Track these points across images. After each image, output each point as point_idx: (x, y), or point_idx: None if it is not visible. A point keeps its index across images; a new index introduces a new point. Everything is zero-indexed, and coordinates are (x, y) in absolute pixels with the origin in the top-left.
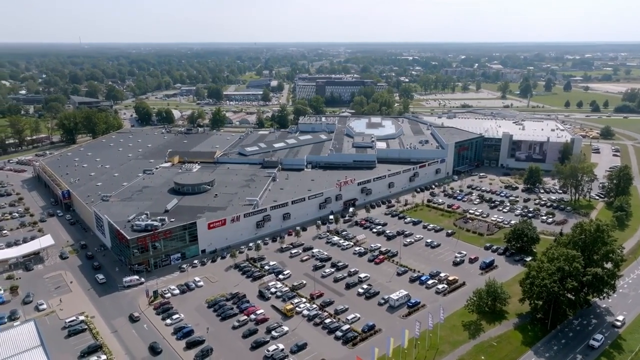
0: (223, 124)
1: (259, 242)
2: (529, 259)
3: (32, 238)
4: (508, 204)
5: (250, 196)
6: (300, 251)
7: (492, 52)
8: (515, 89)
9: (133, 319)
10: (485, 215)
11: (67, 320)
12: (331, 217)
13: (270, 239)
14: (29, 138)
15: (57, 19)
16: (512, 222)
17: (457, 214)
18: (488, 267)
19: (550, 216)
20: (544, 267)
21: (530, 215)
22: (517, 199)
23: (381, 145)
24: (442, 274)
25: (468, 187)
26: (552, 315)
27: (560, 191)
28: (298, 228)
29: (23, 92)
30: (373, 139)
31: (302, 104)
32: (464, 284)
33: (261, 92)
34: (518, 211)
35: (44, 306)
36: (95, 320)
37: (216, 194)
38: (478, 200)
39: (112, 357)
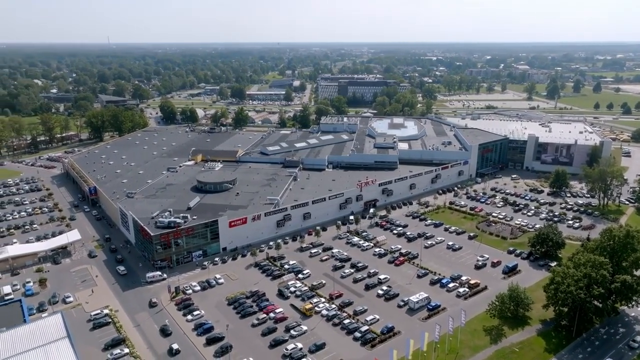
0: (245, 124)
1: (279, 241)
2: (553, 264)
3: (60, 232)
4: (533, 208)
5: (271, 195)
6: (320, 251)
7: (518, 52)
8: (542, 90)
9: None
10: (508, 219)
11: (92, 313)
12: (351, 217)
13: (291, 238)
14: (58, 135)
15: (87, 20)
16: (537, 226)
17: (480, 217)
18: (511, 271)
19: (577, 221)
20: (569, 273)
21: (555, 219)
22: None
23: (403, 146)
24: (463, 278)
25: (491, 189)
26: (578, 322)
27: (588, 195)
28: (318, 228)
29: (54, 90)
30: (395, 139)
31: (324, 104)
32: (485, 288)
33: (283, 92)
34: (543, 215)
35: (71, 299)
36: (119, 314)
37: (238, 193)
38: (502, 203)
39: (134, 351)
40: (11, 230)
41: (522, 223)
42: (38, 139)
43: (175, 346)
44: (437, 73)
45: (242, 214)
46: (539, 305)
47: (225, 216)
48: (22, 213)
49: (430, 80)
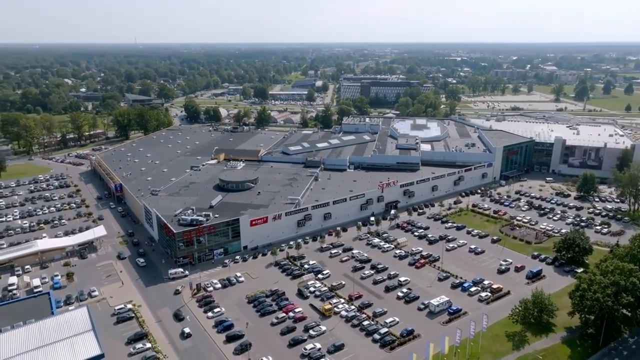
0: (268, 123)
1: (300, 240)
2: (580, 270)
3: (87, 228)
4: (559, 212)
5: (292, 195)
6: (340, 251)
7: (546, 52)
8: (570, 92)
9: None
10: (533, 223)
11: (116, 308)
12: (372, 218)
13: (311, 238)
14: (87, 133)
15: (116, 21)
16: (563, 231)
17: (504, 221)
18: (535, 276)
19: (606, 226)
20: (596, 280)
21: (583, 224)
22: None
23: (426, 147)
24: (485, 282)
25: (516, 192)
26: (605, 331)
27: (618, 200)
28: (338, 228)
29: (83, 89)
30: (417, 140)
31: (347, 105)
32: (508, 292)
33: (306, 92)
34: (570, 220)
35: (96, 293)
36: (142, 309)
37: (259, 192)
38: (526, 206)
39: (156, 346)
40: (41, 225)
41: (547, 227)
42: (67, 137)
43: (187, 330)
44: (461, 74)
45: (263, 213)
46: (564, 312)
47: (246, 215)
48: (52, 208)
49: (454, 81)
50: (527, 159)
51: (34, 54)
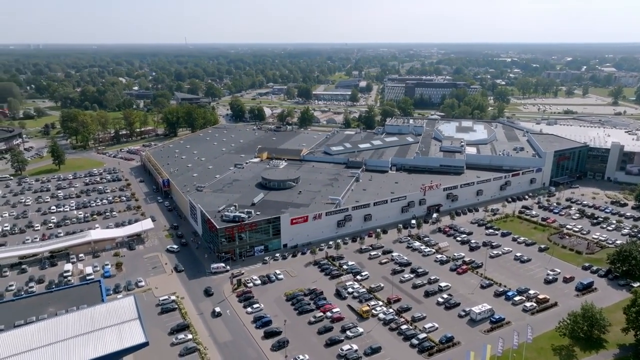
0: (311, 123)
1: (339, 241)
2: (636, 285)
3: (136, 220)
4: (614, 222)
5: (333, 195)
6: (380, 253)
7: (604, 53)
8: (630, 95)
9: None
10: (585, 232)
11: (160, 299)
12: (413, 221)
13: (350, 238)
14: (138, 130)
15: (169, 22)
16: (618, 242)
17: (553, 229)
18: (585, 289)
19: None
20: None
21: None
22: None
23: (471, 150)
24: (531, 291)
25: (567, 199)
26: None
27: None
28: (379, 230)
29: (136, 88)
30: (462, 143)
31: (390, 105)
32: (555, 304)
33: (349, 93)
34: (626, 230)
35: (142, 283)
36: (185, 301)
37: (300, 191)
38: (578, 215)
39: (197, 337)
40: (94, 216)
41: (600, 238)
42: (120, 133)
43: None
44: (511, 75)
45: (304, 212)
46: (617, 328)
47: (287, 213)
48: (104, 200)
49: (503, 83)
50: (579, 165)
51: (93, 54)
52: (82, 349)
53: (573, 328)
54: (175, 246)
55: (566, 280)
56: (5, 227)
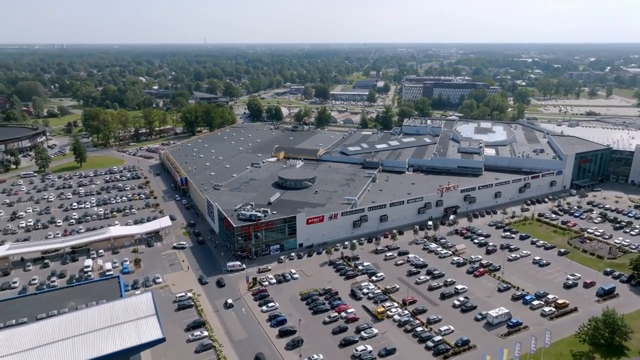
0: (328, 123)
1: (355, 241)
2: None
3: (154, 218)
4: (638, 226)
5: (349, 195)
6: (396, 255)
7: (629, 53)
8: None
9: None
10: (607, 237)
11: (177, 295)
12: (430, 223)
13: (366, 239)
14: (157, 128)
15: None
16: None
17: (573, 232)
18: (607, 294)
19: None
20: None
21: None
22: None
23: (490, 151)
24: (550, 296)
25: (588, 203)
26: None
27: None
28: (395, 231)
29: (155, 87)
30: (481, 144)
31: (408, 106)
32: (575, 309)
33: (367, 93)
34: None
35: (160, 280)
36: (201, 299)
37: (316, 191)
38: (600, 219)
39: (213, 334)
40: (114, 213)
41: (623, 242)
42: (140, 131)
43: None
44: (531, 76)
45: (320, 212)
46: (639, 335)
47: (303, 213)
48: (124, 198)
49: (524, 83)
50: (602, 168)
51: (115, 53)
52: (101, 343)
53: (593, 334)
54: (183, 242)
55: (587, 285)
56: (29, 222)
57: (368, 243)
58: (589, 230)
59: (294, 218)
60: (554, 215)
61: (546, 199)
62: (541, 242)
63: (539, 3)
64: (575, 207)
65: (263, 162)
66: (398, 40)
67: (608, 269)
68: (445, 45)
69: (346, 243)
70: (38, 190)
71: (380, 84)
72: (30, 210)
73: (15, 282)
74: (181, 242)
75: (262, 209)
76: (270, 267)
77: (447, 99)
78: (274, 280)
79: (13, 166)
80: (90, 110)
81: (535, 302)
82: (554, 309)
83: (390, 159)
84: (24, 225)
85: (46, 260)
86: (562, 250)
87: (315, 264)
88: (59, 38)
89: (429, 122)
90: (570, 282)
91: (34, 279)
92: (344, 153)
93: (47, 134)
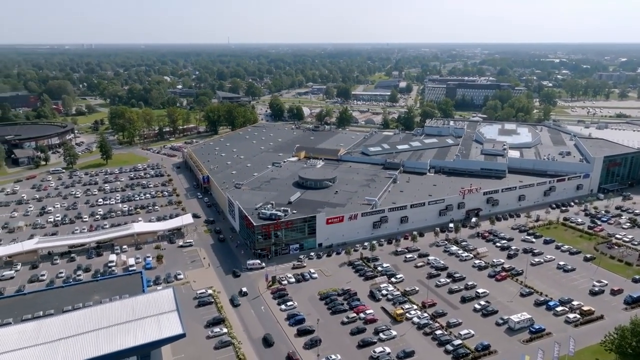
0: (349, 123)
1: (374, 242)
2: None
3: (176, 215)
4: None
5: (370, 196)
6: (416, 256)
7: None
8: None
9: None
10: (636, 243)
11: (198, 292)
12: (451, 225)
13: (386, 240)
14: (180, 127)
15: (212, 22)
16: None
17: (600, 238)
18: (635, 302)
19: None
20: None
21: None
22: None
23: (514, 154)
24: (574, 302)
25: (616, 208)
26: None
27: None
28: (415, 233)
29: (179, 86)
30: (505, 146)
31: (430, 107)
32: (601, 317)
33: (389, 93)
34: None
35: (181, 276)
36: (221, 295)
37: (337, 191)
38: (629, 224)
39: (232, 331)
40: (137, 210)
41: None
42: (164, 130)
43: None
44: (558, 76)
45: (340, 212)
46: None
47: (323, 213)
48: (147, 195)
49: (550, 84)
50: (632, 172)
51: (141, 53)
52: (124, 336)
53: (620, 343)
54: (190, 240)
55: (614, 293)
56: (57, 217)
57: (388, 244)
58: (617, 235)
59: (313, 218)
60: (580, 220)
61: (572, 203)
62: (566, 246)
63: (569, 2)
64: (603, 212)
65: (284, 162)
66: (421, 40)
67: (637, 276)
68: (469, 45)
69: (366, 244)
70: (66, 186)
71: (403, 84)
72: (59, 206)
73: (43, 275)
74: (188, 241)
75: (283, 208)
76: (305, 265)
77: (470, 99)
78: (293, 280)
79: (43, 162)
80: (116, 109)
81: (559, 309)
82: (578, 316)
83: (411, 160)
84: (52, 220)
85: (72, 255)
86: (588, 255)
87: (335, 264)
88: (88, 38)
89: (451, 123)
90: (597, 288)
91: (61, 273)
92: (364, 153)
93: (75, 131)
